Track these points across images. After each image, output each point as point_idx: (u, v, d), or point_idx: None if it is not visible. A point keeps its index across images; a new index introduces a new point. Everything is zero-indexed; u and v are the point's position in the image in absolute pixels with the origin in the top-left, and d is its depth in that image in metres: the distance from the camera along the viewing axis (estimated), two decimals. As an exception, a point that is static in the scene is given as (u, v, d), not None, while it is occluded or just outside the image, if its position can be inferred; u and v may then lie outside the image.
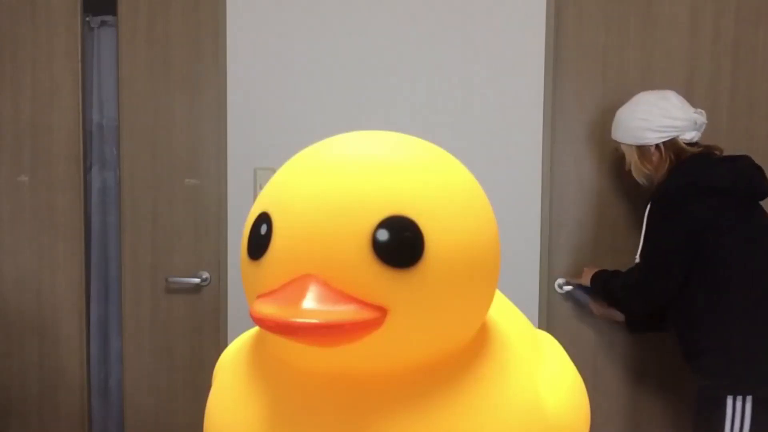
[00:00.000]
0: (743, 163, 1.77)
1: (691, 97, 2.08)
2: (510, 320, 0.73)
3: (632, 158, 1.87)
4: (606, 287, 1.94)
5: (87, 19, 2.32)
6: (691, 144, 1.81)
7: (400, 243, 0.56)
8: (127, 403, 2.29)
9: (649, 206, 1.79)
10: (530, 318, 0.82)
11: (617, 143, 1.92)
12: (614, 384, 2.17)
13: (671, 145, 1.81)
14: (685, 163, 1.78)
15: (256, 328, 0.74)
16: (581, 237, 2.16)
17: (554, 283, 2.15)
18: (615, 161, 2.12)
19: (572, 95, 2.13)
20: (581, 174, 2.15)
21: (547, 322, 2.11)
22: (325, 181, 0.59)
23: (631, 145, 1.86)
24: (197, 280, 2.22)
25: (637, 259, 1.81)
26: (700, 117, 1.81)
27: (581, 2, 2.11)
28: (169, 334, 2.26)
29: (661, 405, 2.12)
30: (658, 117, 1.80)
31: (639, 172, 1.87)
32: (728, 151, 1.82)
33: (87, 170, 2.34)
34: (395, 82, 2.11)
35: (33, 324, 2.30)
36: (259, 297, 0.59)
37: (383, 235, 0.56)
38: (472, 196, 0.63)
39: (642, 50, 2.10)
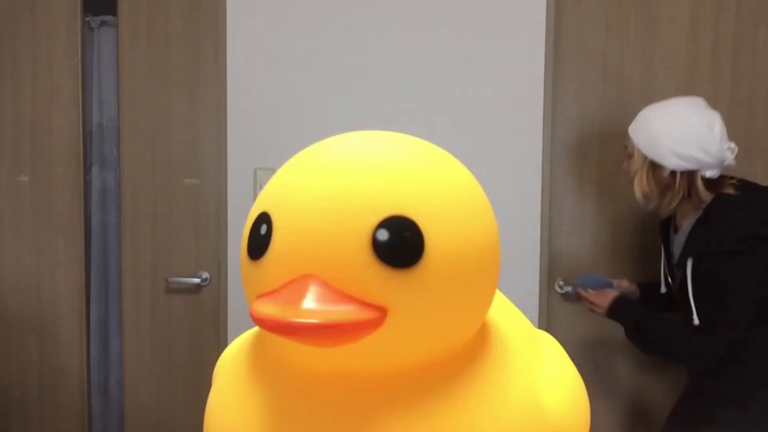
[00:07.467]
0: None
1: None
2: (510, 320, 0.73)
3: (640, 168, 1.64)
4: (649, 333, 1.67)
5: (87, 19, 2.32)
6: (708, 180, 1.59)
7: (400, 243, 0.56)
8: (127, 403, 2.29)
9: (697, 262, 1.55)
10: (530, 318, 0.82)
11: (629, 139, 1.67)
12: (614, 384, 2.17)
13: (688, 177, 1.59)
14: (727, 210, 1.55)
15: (256, 328, 0.74)
16: (581, 237, 2.16)
17: (554, 283, 2.15)
18: (615, 161, 2.12)
19: (572, 95, 2.13)
20: (581, 174, 2.15)
21: (547, 322, 2.12)
22: (325, 181, 0.59)
23: (644, 154, 1.62)
24: (197, 280, 2.22)
25: (696, 321, 1.54)
26: (730, 155, 1.58)
27: (581, 2, 2.11)
28: (169, 334, 2.26)
29: (661, 405, 2.12)
30: (692, 146, 1.55)
31: (640, 186, 1.64)
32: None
33: (87, 170, 2.34)
34: (395, 82, 2.11)
35: (33, 324, 2.30)
36: (259, 297, 0.59)
37: (383, 235, 0.56)
38: (472, 196, 0.63)
39: (642, 51, 2.10)
